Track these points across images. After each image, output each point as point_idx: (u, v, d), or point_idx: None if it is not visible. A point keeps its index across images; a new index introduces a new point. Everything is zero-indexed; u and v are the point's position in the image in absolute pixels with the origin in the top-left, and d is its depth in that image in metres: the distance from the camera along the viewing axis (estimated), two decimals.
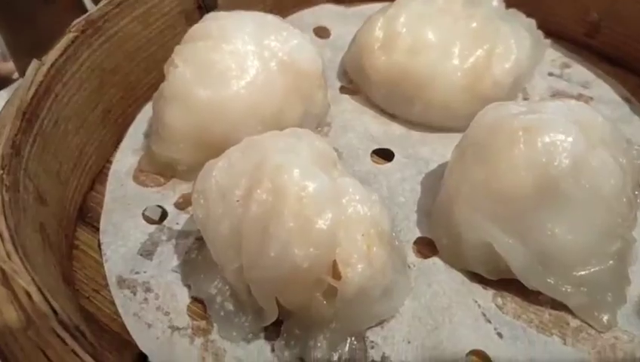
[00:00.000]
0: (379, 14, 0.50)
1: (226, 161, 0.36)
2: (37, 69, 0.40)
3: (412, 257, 0.40)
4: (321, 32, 0.58)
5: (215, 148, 0.42)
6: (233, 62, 0.43)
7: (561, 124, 0.36)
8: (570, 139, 0.35)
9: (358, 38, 0.51)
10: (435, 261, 0.40)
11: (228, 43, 0.44)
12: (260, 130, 0.43)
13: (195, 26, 0.46)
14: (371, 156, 0.47)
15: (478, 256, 0.37)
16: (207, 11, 0.53)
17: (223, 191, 0.35)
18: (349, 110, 0.50)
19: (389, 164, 0.46)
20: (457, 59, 0.46)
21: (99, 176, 0.47)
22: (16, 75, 0.69)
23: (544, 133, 0.35)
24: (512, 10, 0.51)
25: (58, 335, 0.26)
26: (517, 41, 0.48)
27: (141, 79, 0.50)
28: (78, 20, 0.43)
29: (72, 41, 0.43)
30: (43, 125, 0.40)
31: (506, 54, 0.47)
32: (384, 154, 0.47)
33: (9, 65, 0.71)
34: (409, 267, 0.39)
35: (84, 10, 0.51)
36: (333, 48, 0.56)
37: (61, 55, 0.42)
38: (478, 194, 0.36)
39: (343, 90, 0.53)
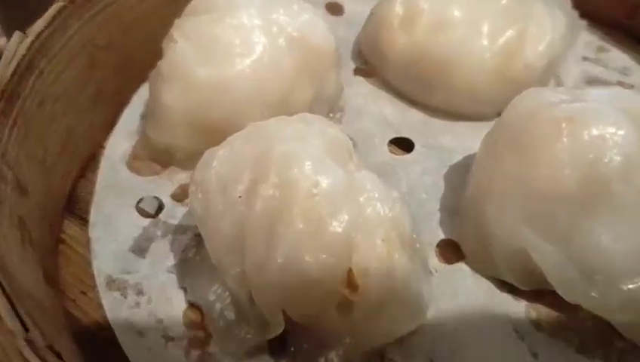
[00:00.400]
0: None
1: (228, 149, 0.32)
2: (19, 42, 0.36)
3: (435, 261, 0.36)
4: (334, 9, 0.53)
5: (216, 134, 0.38)
6: (238, 38, 0.39)
7: (610, 114, 0.31)
8: (621, 132, 0.30)
9: (375, 14, 0.46)
10: (461, 267, 0.36)
11: (232, 16, 0.40)
12: (266, 114, 0.39)
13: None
14: (388, 146, 0.43)
15: (510, 263, 0.33)
16: None
17: (224, 184, 0.31)
18: (363, 94, 0.46)
19: (408, 155, 0.42)
20: (486, 39, 0.41)
21: (90, 162, 0.43)
22: None
23: (591, 124, 0.31)
24: None
25: (25, 358, 0.22)
26: (551, 21, 0.43)
27: (137, 56, 0.45)
28: None
29: (60, 12, 0.38)
30: (25, 105, 0.36)
31: (540, 35, 0.42)
32: (403, 144, 0.43)
33: (1, 41, 0.66)
34: (431, 273, 0.35)
35: None
36: (347, 26, 0.51)
37: (47, 27, 0.37)
38: (513, 192, 0.32)
39: (357, 71, 0.48)
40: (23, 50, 0.35)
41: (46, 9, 0.38)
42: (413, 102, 0.45)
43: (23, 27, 0.37)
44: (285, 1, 0.41)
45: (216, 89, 0.38)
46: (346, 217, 0.28)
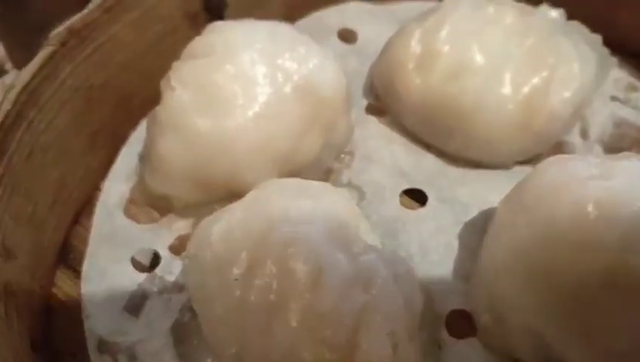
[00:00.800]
0: (416, 24, 0.42)
1: (225, 224, 0.30)
2: (4, 95, 0.33)
3: (444, 334, 0.34)
4: (347, 36, 0.50)
5: (218, 187, 0.37)
6: (240, 87, 0.36)
7: None
8: None
9: (389, 51, 0.43)
10: (473, 342, 0.33)
11: (234, 63, 0.37)
12: (272, 167, 0.37)
13: (197, 40, 0.39)
14: (400, 196, 0.40)
15: (525, 343, 0.31)
16: (215, 12, 0.45)
17: (220, 263, 0.29)
18: (375, 136, 0.43)
19: (421, 210, 0.39)
20: (509, 88, 0.38)
21: (85, 206, 0.41)
22: (8, 65, 0.62)
23: (621, 209, 0.28)
24: (574, 24, 0.43)
25: None
26: (580, 62, 0.40)
27: (136, 92, 0.43)
28: (57, 30, 0.36)
29: (51, 57, 0.36)
30: (12, 162, 0.34)
31: (568, 80, 0.39)
32: (415, 194, 0.40)
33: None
34: (439, 347, 0.33)
35: None
36: (360, 55, 0.48)
37: (36, 75, 0.35)
38: (531, 274, 0.30)
39: (369, 109, 0.45)
40: (8, 105, 0.33)
41: (50, 16, 0.37)
42: (427, 146, 0.42)
43: (24, 36, 0.35)
44: (292, 43, 0.39)
45: (217, 142, 0.36)
46: (348, 311, 0.26)
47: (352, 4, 0.52)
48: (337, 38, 0.50)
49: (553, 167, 0.31)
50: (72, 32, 0.37)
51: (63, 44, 0.36)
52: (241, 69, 0.37)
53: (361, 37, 0.50)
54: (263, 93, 0.36)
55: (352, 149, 0.42)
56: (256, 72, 0.37)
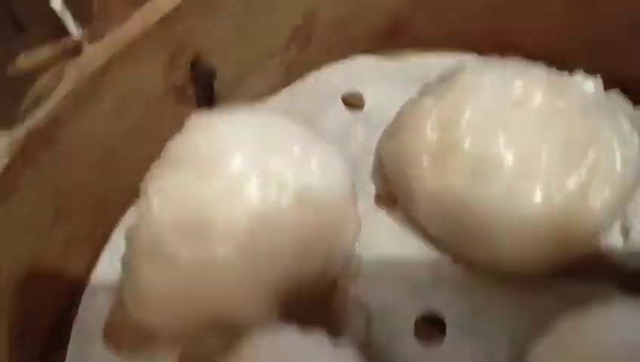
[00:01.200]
0: (432, 99, 0.36)
1: None
2: None
3: None
4: (352, 101, 0.44)
5: (206, 321, 0.32)
6: (226, 206, 0.31)
7: None
8: None
9: (401, 135, 0.37)
10: None
11: (219, 173, 0.32)
12: (266, 295, 0.32)
13: (178, 140, 0.33)
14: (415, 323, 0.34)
15: None
16: (204, 84, 0.40)
17: None
18: (385, 236, 0.37)
19: (440, 347, 0.33)
20: (540, 195, 0.32)
21: (59, 330, 0.36)
22: None
23: None
24: (614, 96, 0.37)
25: None
26: (623, 150, 0.34)
27: (117, 188, 0.38)
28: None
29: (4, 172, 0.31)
30: None
31: (609, 175, 0.34)
32: (433, 319, 0.35)
33: None
34: None
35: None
36: (368, 124, 0.42)
37: None
38: None
39: (378, 199, 0.39)
40: None
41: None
42: (445, 250, 0.37)
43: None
44: (285, 142, 0.33)
45: (203, 274, 0.31)
46: None
47: (358, 60, 0.46)
48: (342, 104, 0.44)
49: (601, 321, 0.26)
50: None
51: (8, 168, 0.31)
52: (227, 182, 0.32)
53: (368, 101, 0.44)
54: (254, 212, 0.31)
55: (359, 253, 0.37)
56: (245, 185, 0.32)
